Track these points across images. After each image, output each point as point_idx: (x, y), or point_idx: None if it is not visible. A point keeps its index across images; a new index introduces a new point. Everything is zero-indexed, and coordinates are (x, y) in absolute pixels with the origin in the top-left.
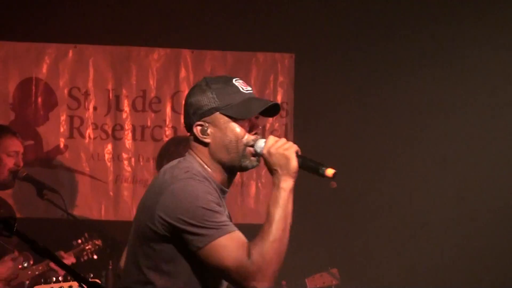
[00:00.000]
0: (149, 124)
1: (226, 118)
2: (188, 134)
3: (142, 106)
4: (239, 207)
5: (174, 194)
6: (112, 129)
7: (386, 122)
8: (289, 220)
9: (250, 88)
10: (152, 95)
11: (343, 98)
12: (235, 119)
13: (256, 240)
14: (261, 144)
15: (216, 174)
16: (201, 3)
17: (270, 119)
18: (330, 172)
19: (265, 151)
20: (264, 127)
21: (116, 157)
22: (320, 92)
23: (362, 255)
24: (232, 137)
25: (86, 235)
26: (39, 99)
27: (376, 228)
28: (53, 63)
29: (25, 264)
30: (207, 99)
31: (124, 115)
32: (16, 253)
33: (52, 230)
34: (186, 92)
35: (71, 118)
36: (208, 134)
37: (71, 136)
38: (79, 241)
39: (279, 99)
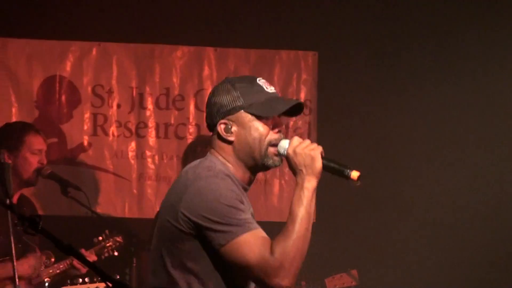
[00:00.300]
0: (172, 121)
1: (250, 117)
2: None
3: (165, 104)
4: (262, 205)
5: (198, 192)
6: (135, 126)
7: (409, 121)
8: (312, 219)
9: (273, 88)
10: (176, 93)
11: (366, 96)
12: (259, 118)
13: (279, 238)
14: (284, 144)
15: (238, 172)
16: (224, 1)
17: (294, 117)
18: (355, 174)
19: (290, 151)
20: (287, 125)
21: (140, 155)
22: (343, 90)
23: (382, 256)
24: (256, 135)
25: (106, 232)
26: (63, 97)
27: (396, 229)
28: (77, 61)
29: (47, 262)
30: (232, 98)
31: (148, 113)
32: (38, 252)
33: (75, 228)
34: (210, 90)
35: (94, 116)
36: (232, 132)
37: (94, 133)
38: (100, 238)
39: (302, 97)
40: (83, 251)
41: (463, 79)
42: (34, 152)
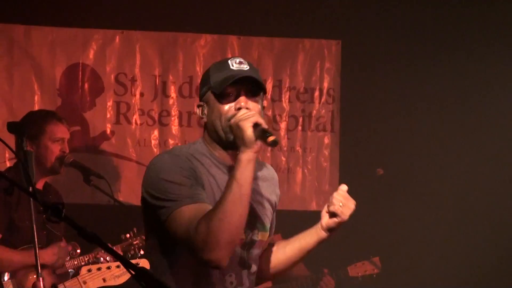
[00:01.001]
0: (195, 110)
1: (213, 96)
2: None
3: (188, 92)
4: (285, 193)
5: (147, 170)
6: (158, 115)
7: (432, 109)
8: (245, 191)
9: (245, 66)
10: (199, 81)
11: (389, 84)
12: (219, 95)
13: (207, 212)
14: None
15: (216, 152)
16: None
17: (317, 106)
18: (270, 139)
19: (229, 124)
20: (310, 113)
21: (163, 143)
22: (366, 79)
23: (404, 243)
24: (217, 113)
25: (134, 230)
26: (86, 85)
27: (419, 217)
28: (100, 49)
29: (72, 253)
30: (204, 80)
31: (171, 101)
32: (64, 242)
33: (98, 216)
34: None
35: (117, 104)
36: (205, 114)
37: (117, 122)
38: (127, 235)
39: (325, 86)
40: (109, 246)
41: (493, 73)
42: (56, 140)
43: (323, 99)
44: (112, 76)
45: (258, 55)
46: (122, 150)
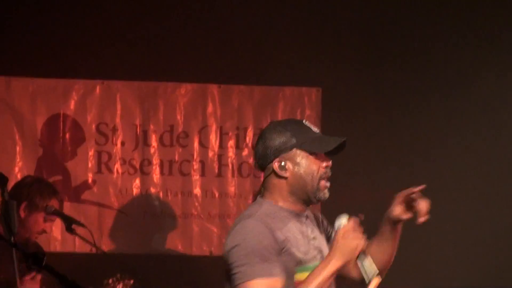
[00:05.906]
0: (176, 158)
1: (304, 153)
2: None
3: (169, 141)
4: None
5: (232, 232)
6: (140, 164)
7: (417, 154)
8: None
9: (317, 129)
10: (180, 130)
11: (371, 131)
12: (311, 154)
13: None
14: (342, 220)
15: (288, 205)
16: (227, 39)
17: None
18: (373, 284)
19: (341, 230)
20: None
21: (145, 192)
22: (348, 126)
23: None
24: (309, 170)
25: (118, 275)
26: (67, 135)
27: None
28: (81, 99)
29: None
30: (286, 138)
31: (152, 150)
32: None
33: (81, 265)
34: (214, 126)
35: (99, 153)
36: (286, 169)
37: (99, 171)
38: (110, 280)
39: None
40: None
41: (476, 103)
42: (46, 220)
43: None
44: (93, 126)
45: (239, 104)
46: (104, 199)
